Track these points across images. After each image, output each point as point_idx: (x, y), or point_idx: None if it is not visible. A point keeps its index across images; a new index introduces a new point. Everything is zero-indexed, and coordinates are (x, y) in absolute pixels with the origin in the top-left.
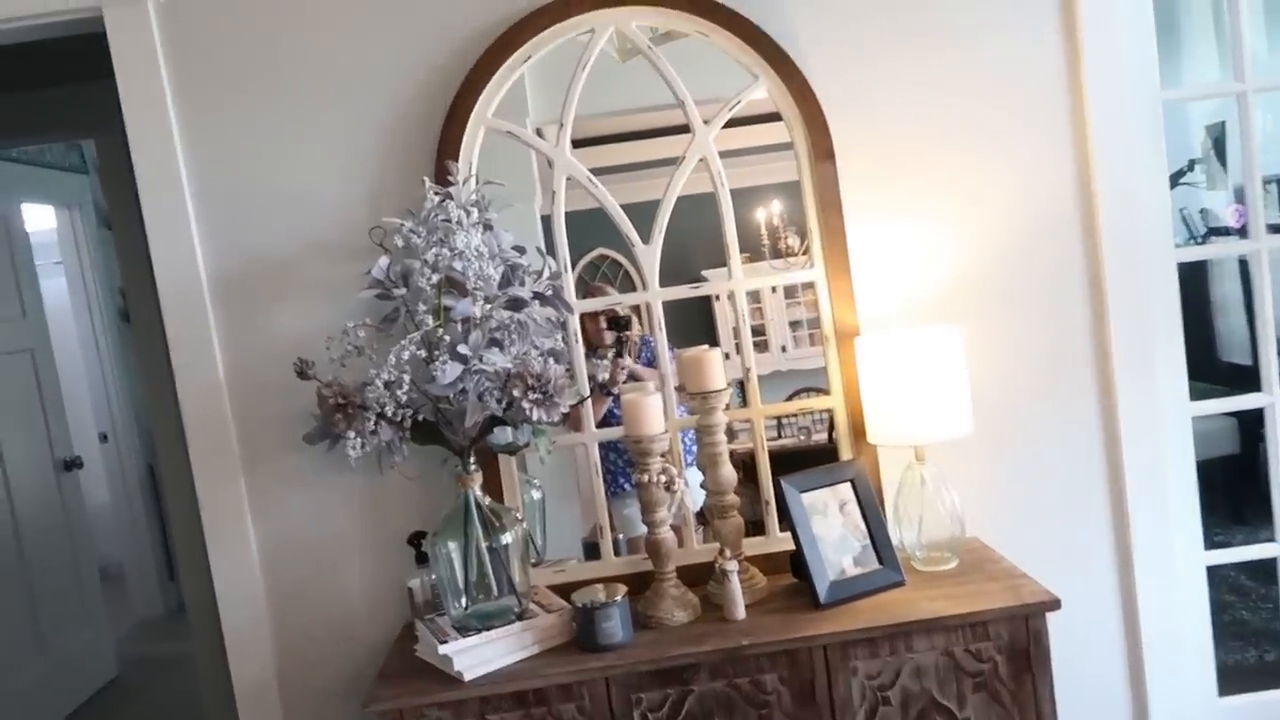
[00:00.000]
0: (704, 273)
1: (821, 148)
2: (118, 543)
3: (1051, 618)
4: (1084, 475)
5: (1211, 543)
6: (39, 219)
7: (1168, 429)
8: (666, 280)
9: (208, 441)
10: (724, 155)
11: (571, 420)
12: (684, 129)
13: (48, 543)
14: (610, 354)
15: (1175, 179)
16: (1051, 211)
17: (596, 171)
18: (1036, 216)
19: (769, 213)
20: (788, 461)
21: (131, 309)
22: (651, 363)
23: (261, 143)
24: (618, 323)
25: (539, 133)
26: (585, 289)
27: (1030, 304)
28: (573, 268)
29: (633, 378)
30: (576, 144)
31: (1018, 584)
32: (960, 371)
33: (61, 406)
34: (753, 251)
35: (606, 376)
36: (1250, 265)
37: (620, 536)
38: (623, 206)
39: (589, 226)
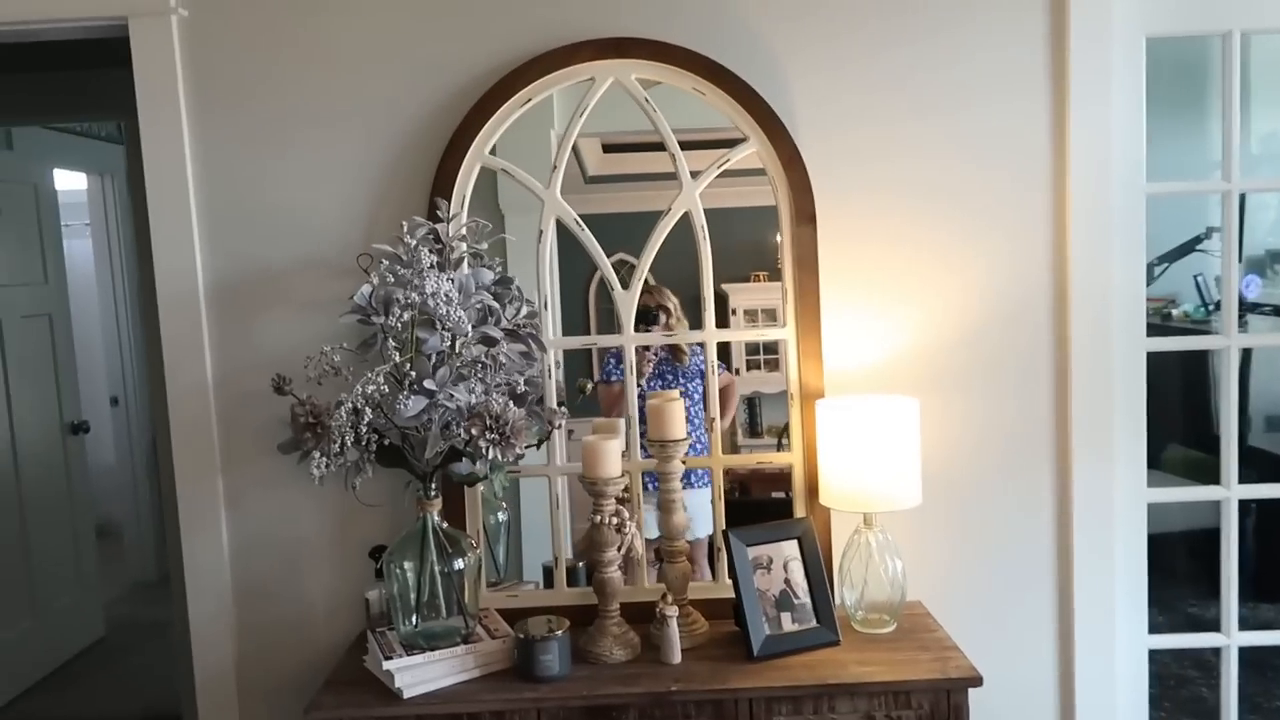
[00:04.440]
0: (724, 286)
1: (804, 212)
2: (120, 505)
3: (987, 691)
4: (1032, 555)
5: (1185, 614)
6: (72, 181)
7: (1122, 514)
8: (683, 287)
9: (190, 438)
10: (746, 173)
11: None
12: (696, 145)
13: (48, 504)
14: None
15: (1192, 245)
16: (1024, 292)
17: (607, 179)
18: (1009, 295)
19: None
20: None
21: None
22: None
23: (267, 158)
24: (645, 315)
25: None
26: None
27: (995, 382)
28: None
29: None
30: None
31: (946, 656)
32: (913, 443)
33: (74, 371)
34: (770, 271)
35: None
36: (1219, 361)
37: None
38: (632, 215)
39: (611, 230)
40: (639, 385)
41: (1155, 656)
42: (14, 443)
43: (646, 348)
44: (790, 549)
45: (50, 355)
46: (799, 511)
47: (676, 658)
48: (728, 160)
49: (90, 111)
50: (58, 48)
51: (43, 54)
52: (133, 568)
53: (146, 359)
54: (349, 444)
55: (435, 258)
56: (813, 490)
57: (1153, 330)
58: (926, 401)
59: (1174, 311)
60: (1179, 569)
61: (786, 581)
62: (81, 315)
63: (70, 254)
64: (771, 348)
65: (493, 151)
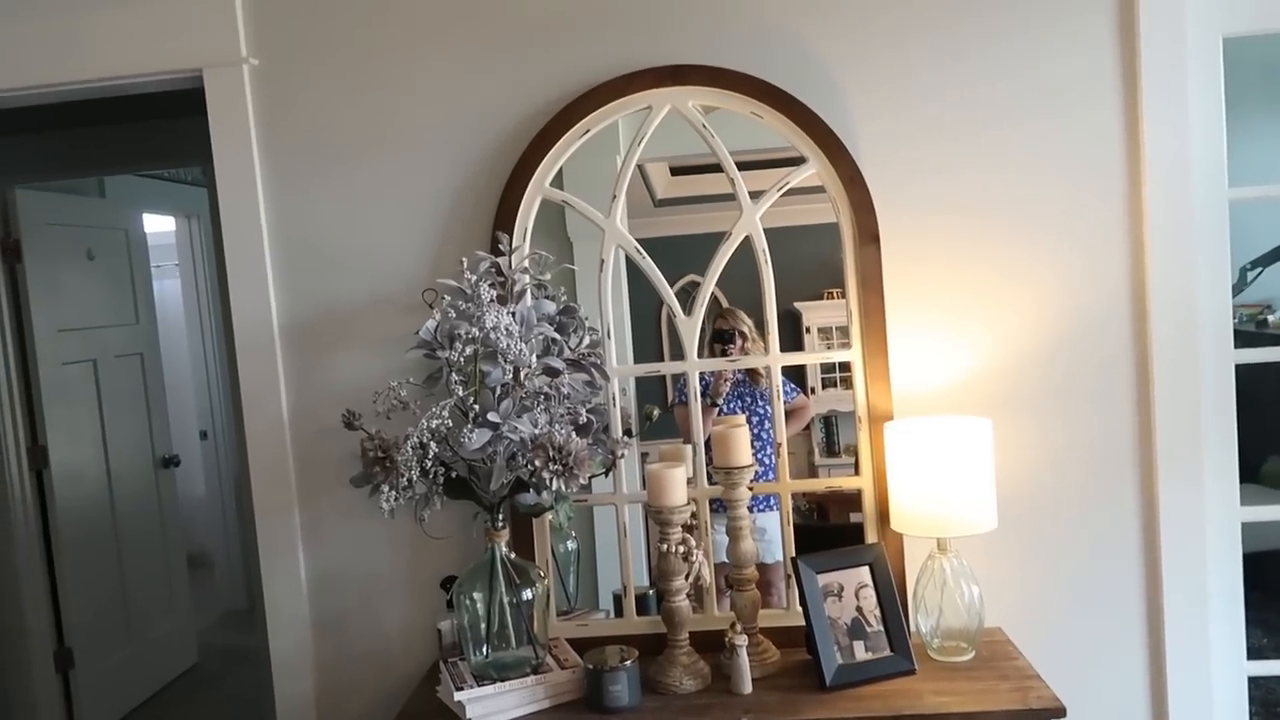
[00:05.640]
0: (796, 304)
1: (867, 232)
2: (210, 535)
3: None
4: (1118, 579)
5: None
6: (161, 223)
7: (1214, 535)
8: (755, 308)
9: (269, 473)
10: (813, 190)
11: (683, 422)
12: (759, 165)
13: (142, 535)
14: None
15: None
16: (1101, 307)
17: (676, 201)
18: (1084, 310)
19: None
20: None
21: None
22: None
23: (336, 198)
24: (722, 336)
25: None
26: (715, 315)
27: (1072, 400)
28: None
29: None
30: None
31: (1028, 685)
32: (987, 465)
33: (165, 407)
34: (843, 288)
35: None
36: None
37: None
38: (702, 236)
39: (681, 251)
40: (717, 405)
41: (1259, 681)
42: (110, 477)
43: (723, 346)
44: (862, 575)
45: (142, 392)
46: (870, 537)
47: (747, 688)
48: (787, 184)
49: (175, 158)
50: (144, 100)
51: (130, 106)
52: (223, 596)
53: (232, 393)
54: (416, 478)
55: (497, 291)
56: (884, 515)
57: (1248, 338)
58: (1000, 422)
59: (1270, 317)
60: None
61: (859, 609)
62: (171, 352)
63: (160, 293)
64: (847, 365)
65: (557, 179)
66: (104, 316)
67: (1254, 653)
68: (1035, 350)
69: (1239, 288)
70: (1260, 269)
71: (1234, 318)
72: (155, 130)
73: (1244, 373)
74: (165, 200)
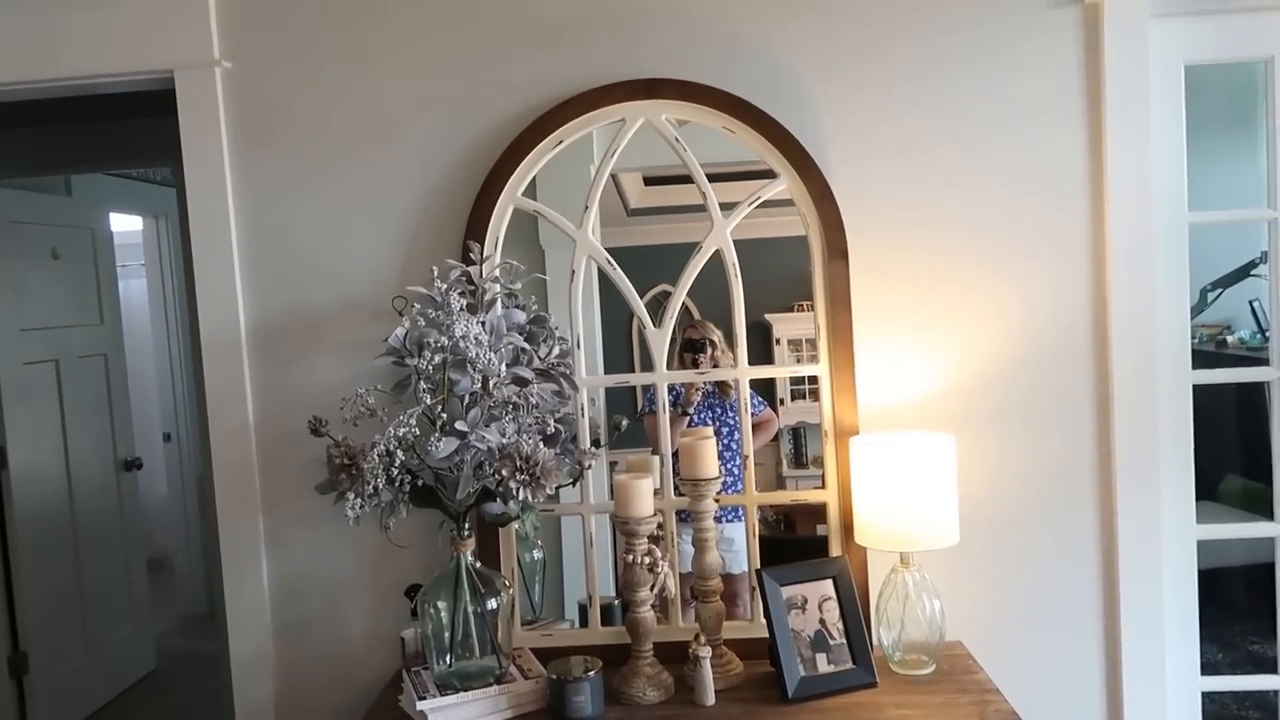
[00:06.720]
0: (767, 316)
1: (836, 248)
2: (171, 538)
3: None
4: (1077, 595)
5: (1247, 652)
6: (128, 222)
7: (1170, 552)
8: (726, 320)
9: (233, 478)
10: (786, 203)
11: (652, 431)
12: (732, 177)
13: (101, 538)
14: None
15: (1247, 270)
16: (1064, 325)
17: (649, 211)
18: (1048, 328)
19: None
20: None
21: None
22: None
23: (307, 203)
24: (693, 346)
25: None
26: (686, 325)
27: (1035, 417)
28: (641, 301)
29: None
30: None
31: (986, 699)
32: (950, 481)
33: (128, 409)
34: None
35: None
36: (1273, 391)
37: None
38: (674, 246)
39: (653, 261)
40: (688, 415)
41: (1214, 696)
42: (70, 479)
43: (694, 355)
44: (825, 588)
45: (105, 394)
46: (834, 550)
47: (710, 699)
48: (758, 198)
49: (143, 158)
50: (113, 98)
51: (99, 105)
52: (183, 601)
53: (197, 396)
54: (382, 485)
55: (467, 300)
56: (848, 528)
57: (1207, 358)
58: (964, 438)
59: (1229, 338)
60: (1240, 605)
61: (822, 621)
62: (135, 352)
63: (126, 293)
64: (816, 377)
65: (531, 187)
66: (68, 316)
67: (1208, 668)
68: (999, 367)
69: (1199, 308)
70: (1221, 290)
71: (1194, 338)
72: (124, 129)
73: (1204, 392)
74: (132, 200)
